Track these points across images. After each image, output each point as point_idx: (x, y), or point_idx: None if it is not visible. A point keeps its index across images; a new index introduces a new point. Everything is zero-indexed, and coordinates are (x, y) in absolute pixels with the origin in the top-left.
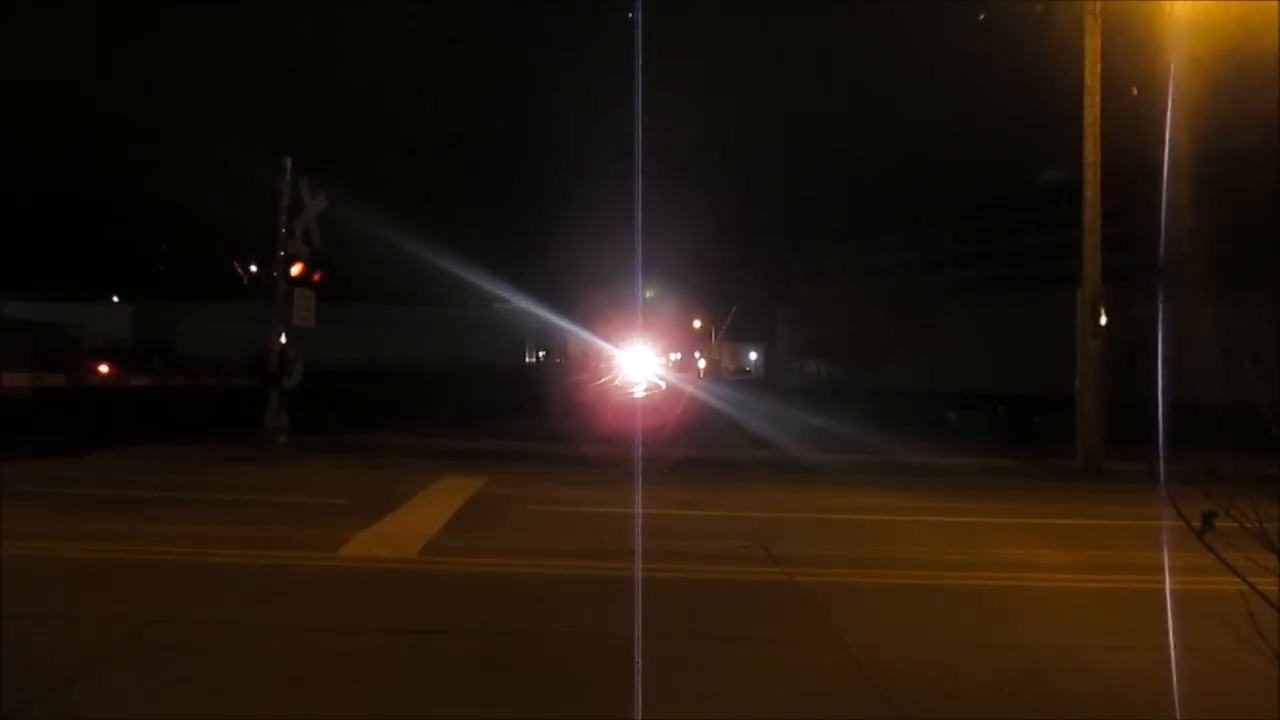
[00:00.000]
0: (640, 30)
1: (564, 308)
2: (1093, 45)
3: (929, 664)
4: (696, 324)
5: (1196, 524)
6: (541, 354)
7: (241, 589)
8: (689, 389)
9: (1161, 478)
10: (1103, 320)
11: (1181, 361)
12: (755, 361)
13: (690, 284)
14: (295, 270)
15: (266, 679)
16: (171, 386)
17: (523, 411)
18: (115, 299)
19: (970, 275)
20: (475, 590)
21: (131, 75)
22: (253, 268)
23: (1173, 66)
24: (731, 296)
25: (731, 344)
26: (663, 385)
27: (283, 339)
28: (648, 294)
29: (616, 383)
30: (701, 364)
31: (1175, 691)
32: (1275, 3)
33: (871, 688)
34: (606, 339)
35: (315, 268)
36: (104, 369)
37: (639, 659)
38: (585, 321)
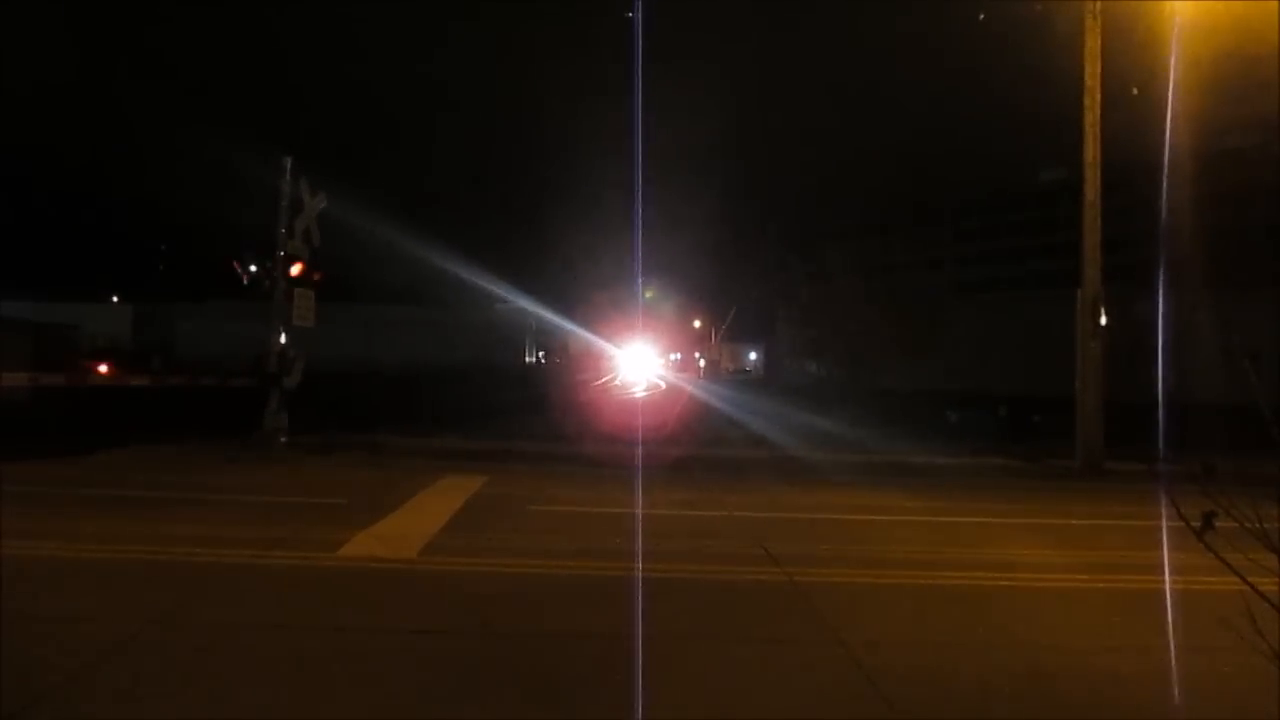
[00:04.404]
0: (640, 30)
1: (564, 308)
2: (1093, 45)
3: (929, 664)
4: (696, 324)
5: (1196, 524)
6: (541, 354)
7: (241, 589)
8: (689, 389)
9: (1161, 478)
10: (1102, 320)
11: (1181, 361)
12: (755, 361)
13: (690, 284)
14: (295, 270)
15: (266, 679)
16: (170, 386)
17: (523, 411)
18: (115, 299)
19: (970, 275)
20: (475, 590)
21: (131, 75)
22: (252, 268)
23: (1173, 66)
24: (731, 296)
25: (731, 344)
26: (663, 385)
27: (282, 339)
28: (648, 294)
29: (617, 382)
30: (701, 364)
31: (1175, 691)
32: (1275, 3)
33: (871, 688)
34: (607, 339)
35: (315, 268)
36: (103, 369)
37: (639, 659)
38: (585, 321)
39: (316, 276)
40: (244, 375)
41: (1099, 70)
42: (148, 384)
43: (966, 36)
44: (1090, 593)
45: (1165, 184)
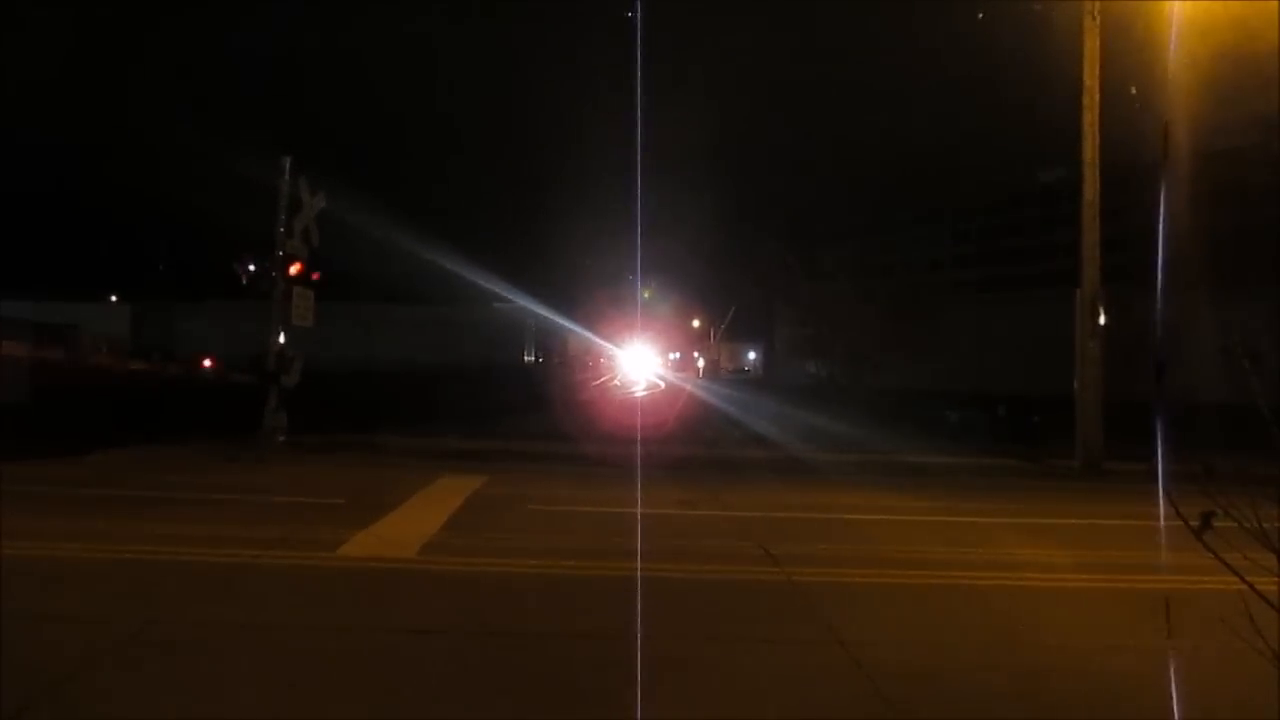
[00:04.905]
0: (640, 30)
1: (564, 308)
2: (1092, 46)
3: (929, 664)
4: (695, 323)
5: (1195, 524)
6: (541, 354)
7: (241, 589)
8: (688, 388)
9: (1161, 478)
10: (1102, 320)
11: (1181, 361)
12: (754, 361)
13: (689, 284)
14: (294, 270)
15: (266, 679)
16: (169, 375)
17: (522, 411)
18: (115, 299)
19: (970, 275)
20: (475, 590)
21: (131, 75)
22: (252, 267)
23: (1172, 67)
24: (730, 296)
25: (730, 343)
26: (662, 384)
27: (281, 339)
28: (647, 294)
29: (616, 382)
30: (701, 363)
31: (1175, 691)
32: (1275, 2)
33: (871, 688)
34: (606, 339)
35: (314, 267)
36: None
37: (639, 659)
38: (585, 321)
39: (314, 276)
40: (243, 372)
41: (1098, 70)
42: (145, 368)
43: (966, 37)
44: (1090, 592)
45: (1164, 184)
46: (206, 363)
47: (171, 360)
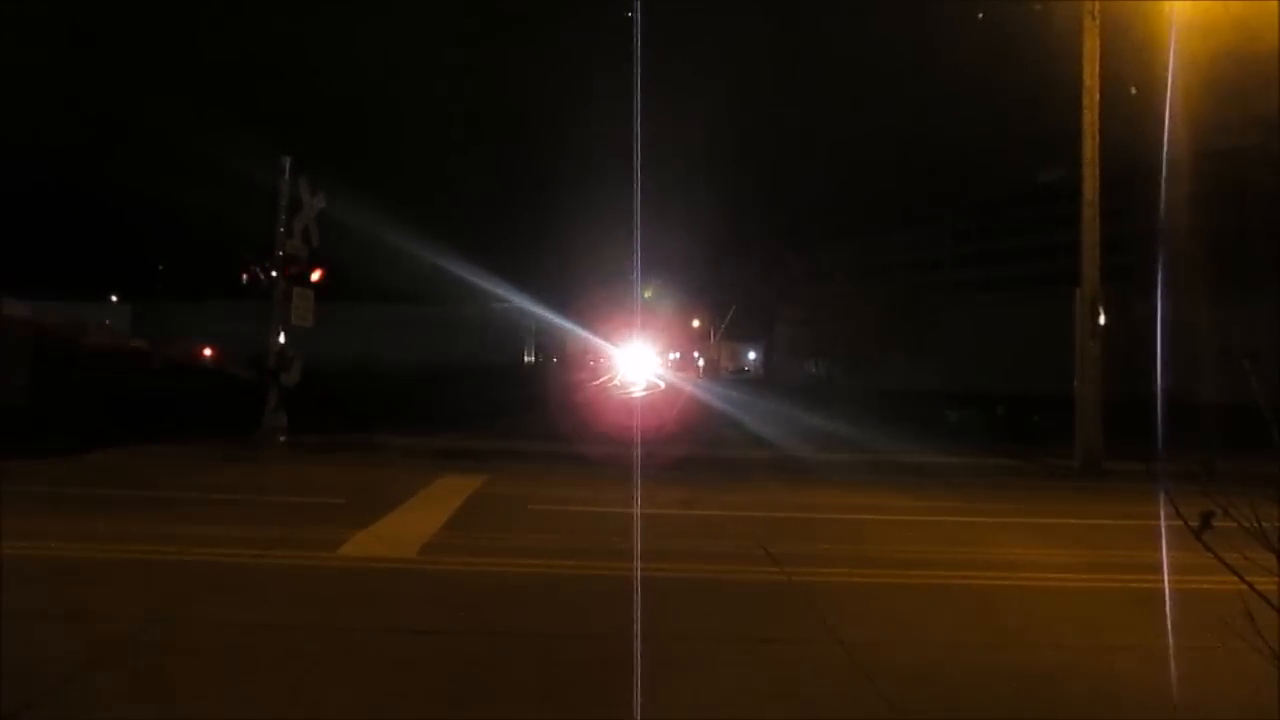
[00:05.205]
0: (639, 29)
1: (563, 308)
2: (1091, 45)
3: (929, 664)
4: (695, 323)
5: (1195, 524)
6: (540, 354)
7: (241, 589)
8: (688, 388)
9: (1160, 478)
10: (1102, 320)
11: (1181, 361)
12: (754, 361)
13: (689, 283)
14: (294, 269)
15: (265, 679)
16: (169, 356)
17: (522, 411)
18: (115, 298)
19: (970, 275)
20: (475, 590)
21: (132, 74)
22: (252, 267)
23: (1172, 67)
24: (731, 296)
25: (730, 343)
26: (662, 384)
27: (281, 338)
28: (647, 294)
29: (615, 382)
30: (701, 363)
31: (1175, 692)
32: (1275, 3)
33: (871, 687)
34: (605, 338)
35: (314, 267)
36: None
37: (639, 659)
38: (584, 321)
39: (316, 276)
40: (244, 369)
41: (1097, 70)
42: (146, 347)
43: (966, 36)
44: (1090, 592)
45: (1164, 184)
46: (207, 352)
47: (171, 346)
